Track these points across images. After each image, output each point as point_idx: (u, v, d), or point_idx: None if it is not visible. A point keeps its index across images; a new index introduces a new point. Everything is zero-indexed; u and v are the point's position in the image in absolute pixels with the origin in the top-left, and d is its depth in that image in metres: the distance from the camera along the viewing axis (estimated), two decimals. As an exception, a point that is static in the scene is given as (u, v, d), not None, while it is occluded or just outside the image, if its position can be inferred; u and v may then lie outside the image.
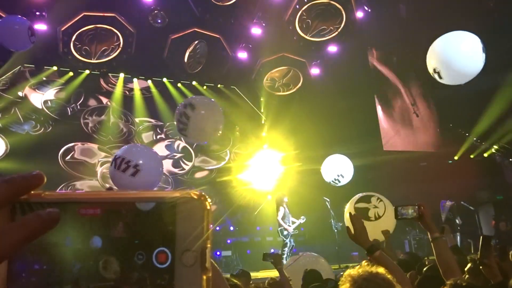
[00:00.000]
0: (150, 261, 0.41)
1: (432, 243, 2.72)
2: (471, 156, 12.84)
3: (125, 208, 0.42)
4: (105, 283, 0.42)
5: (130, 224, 0.42)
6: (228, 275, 4.13)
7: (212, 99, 6.88)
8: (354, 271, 2.01)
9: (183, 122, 5.81)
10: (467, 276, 2.67)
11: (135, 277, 0.41)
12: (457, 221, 11.34)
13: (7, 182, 0.41)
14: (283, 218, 9.69)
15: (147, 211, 0.42)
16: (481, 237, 2.68)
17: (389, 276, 2.00)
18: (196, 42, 11.10)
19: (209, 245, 0.42)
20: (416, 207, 2.71)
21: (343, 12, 10.68)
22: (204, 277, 0.41)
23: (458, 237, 10.33)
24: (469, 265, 2.71)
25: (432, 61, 5.50)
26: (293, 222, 9.70)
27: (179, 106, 6.16)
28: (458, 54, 5.38)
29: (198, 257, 0.41)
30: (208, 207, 0.43)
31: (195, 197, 0.42)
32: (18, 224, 0.39)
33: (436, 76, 5.48)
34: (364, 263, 2.27)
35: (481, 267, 2.61)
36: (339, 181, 8.21)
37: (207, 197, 0.43)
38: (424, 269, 3.85)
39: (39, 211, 0.40)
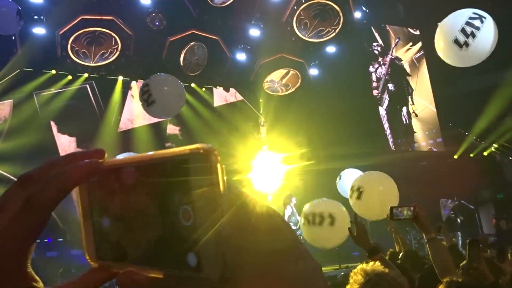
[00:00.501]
0: (178, 219, 0.40)
1: (427, 244, 2.71)
2: (471, 155, 12.82)
3: (155, 168, 0.43)
4: (152, 241, 0.43)
5: (163, 183, 0.42)
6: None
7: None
8: (368, 266, 2.08)
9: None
10: (460, 271, 2.66)
11: (175, 236, 0.41)
12: (458, 220, 11.33)
13: (68, 157, 0.47)
14: (288, 218, 9.72)
15: (169, 170, 0.42)
16: (467, 241, 2.66)
17: (401, 278, 2.06)
18: (192, 43, 11.07)
19: (223, 203, 0.40)
20: (411, 208, 2.70)
21: (341, 13, 10.67)
22: (218, 235, 0.39)
23: (460, 237, 10.31)
24: (464, 262, 2.70)
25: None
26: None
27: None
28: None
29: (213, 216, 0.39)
30: (218, 160, 0.40)
31: (204, 151, 0.40)
32: (75, 165, 0.45)
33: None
34: (377, 262, 2.29)
35: (471, 271, 2.60)
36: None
37: (215, 151, 0.41)
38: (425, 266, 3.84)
39: (88, 160, 0.47)
